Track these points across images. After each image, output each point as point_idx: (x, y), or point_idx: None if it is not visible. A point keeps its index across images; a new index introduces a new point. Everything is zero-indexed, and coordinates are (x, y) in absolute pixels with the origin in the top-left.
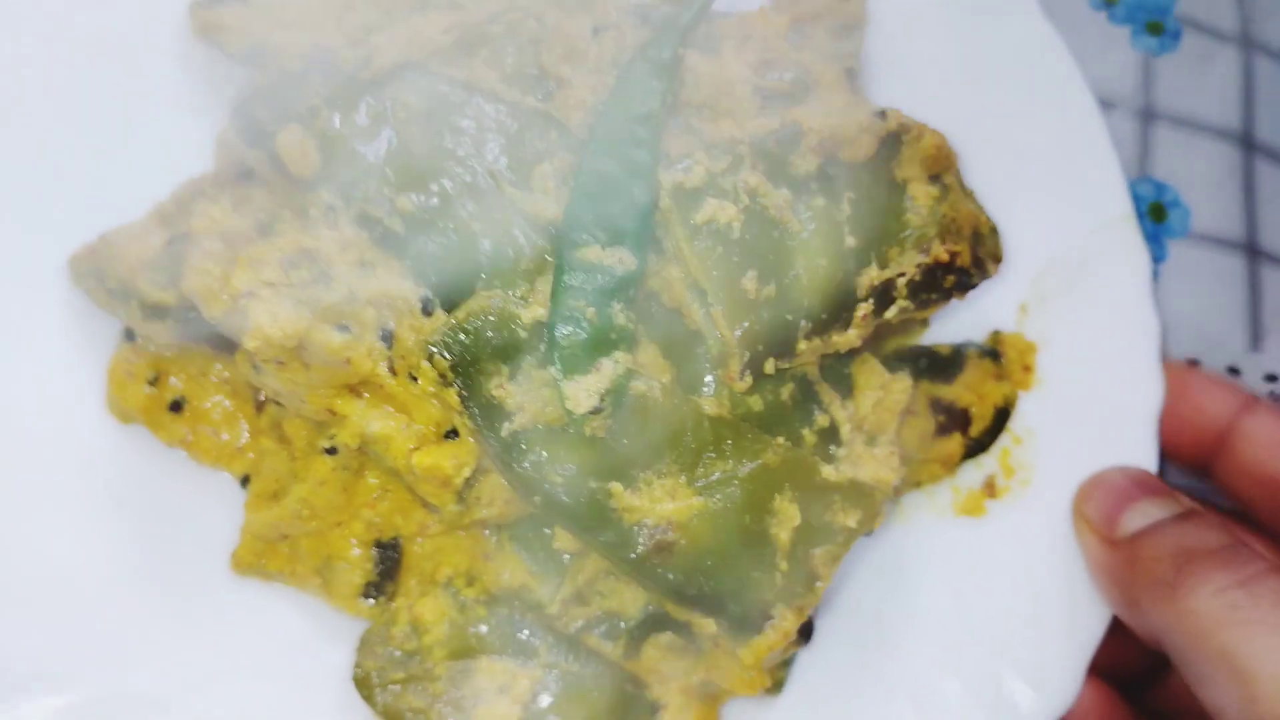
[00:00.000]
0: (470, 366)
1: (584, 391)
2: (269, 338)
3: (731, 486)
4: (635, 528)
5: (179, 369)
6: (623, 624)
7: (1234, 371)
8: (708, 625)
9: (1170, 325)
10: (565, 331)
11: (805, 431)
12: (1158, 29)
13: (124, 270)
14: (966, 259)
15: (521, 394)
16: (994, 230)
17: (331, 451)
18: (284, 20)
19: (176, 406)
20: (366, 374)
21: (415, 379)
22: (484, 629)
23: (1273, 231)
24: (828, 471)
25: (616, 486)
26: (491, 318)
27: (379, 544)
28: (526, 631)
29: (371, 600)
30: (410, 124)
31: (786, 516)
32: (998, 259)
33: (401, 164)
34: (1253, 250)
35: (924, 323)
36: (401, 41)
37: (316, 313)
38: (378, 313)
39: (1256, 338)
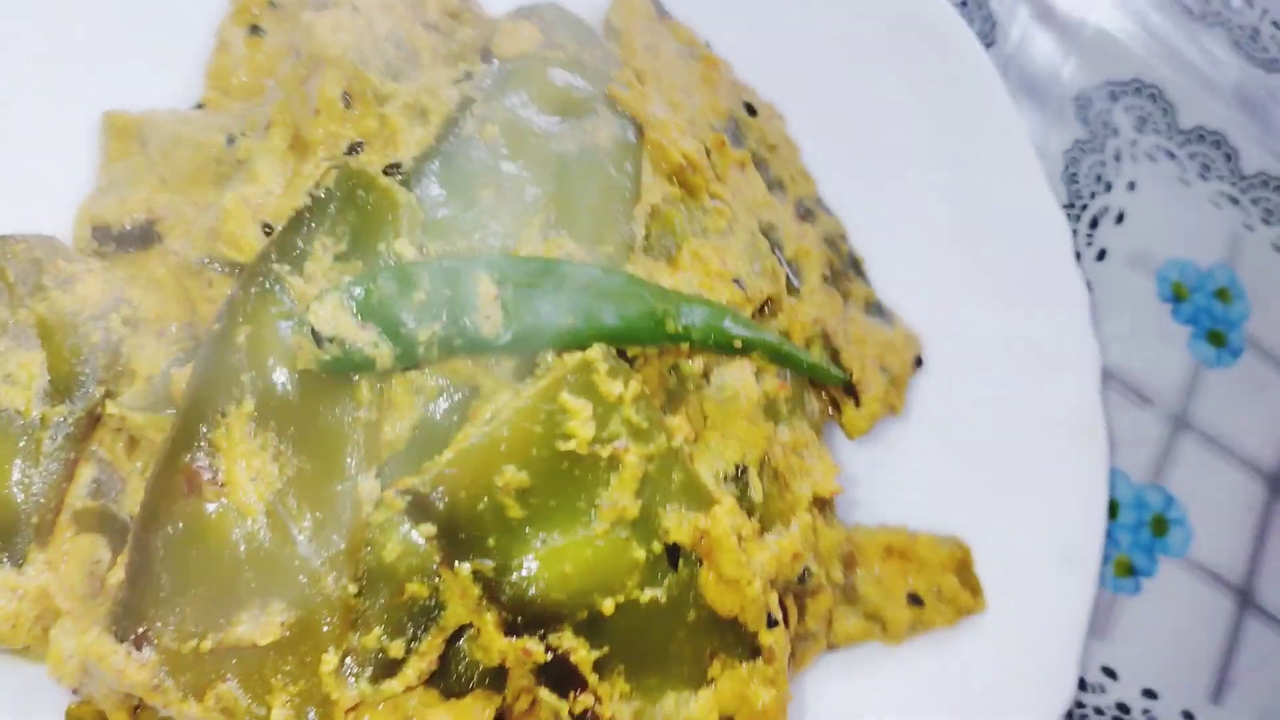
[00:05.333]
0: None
1: (332, 318)
2: None
3: None
4: None
5: None
6: None
7: (1187, 717)
8: None
9: (1134, 647)
10: (385, 284)
11: None
12: (1220, 340)
13: None
14: None
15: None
16: None
17: None
18: None
19: None
20: None
21: None
22: None
23: (1272, 585)
24: None
25: None
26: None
27: None
28: None
29: None
30: None
31: None
32: None
33: None
34: (1245, 598)
35: None
36: None
37: None
38: None
39: (1220, 688)
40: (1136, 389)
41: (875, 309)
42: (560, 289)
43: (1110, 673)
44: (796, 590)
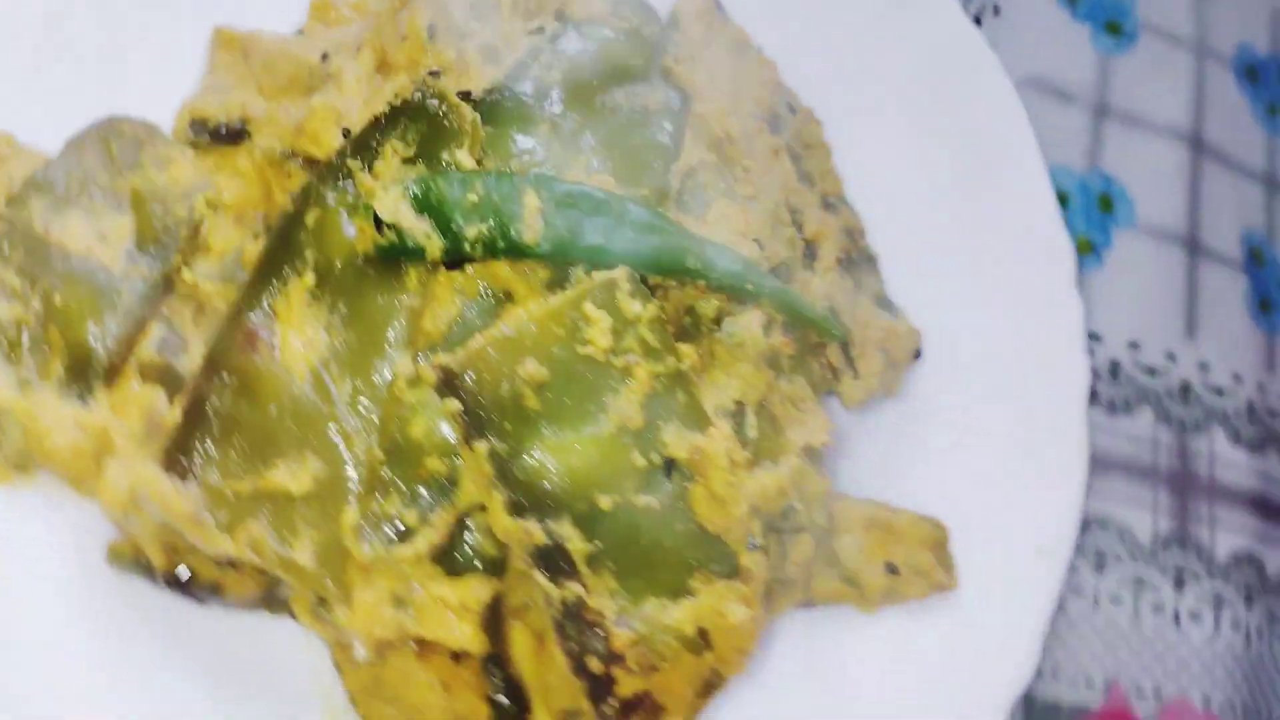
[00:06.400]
0: None
1: (393, 207)
2: None
3: None
4: None
5: None
6: None
7: (1170, 357)
8: None
9: (1111, 310)
10: (443, 185)
11: None
12: (1116, 29)
13: None
14: None
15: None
16: None
17: None
18: None
19: None
20: None
21: None
22: None
23: (1214, 229)
24: None
25: None
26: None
27: None
28: None
29: None
30: None
31: None
32: None
33: None
34: (1194, 245)
35: None
36: None
37: None
38: None
39: (1191, 327)
40: (1056, 89)
41: (884, 303)
42: (597, 213)
43: (1096, 336)
44: (779, 526)
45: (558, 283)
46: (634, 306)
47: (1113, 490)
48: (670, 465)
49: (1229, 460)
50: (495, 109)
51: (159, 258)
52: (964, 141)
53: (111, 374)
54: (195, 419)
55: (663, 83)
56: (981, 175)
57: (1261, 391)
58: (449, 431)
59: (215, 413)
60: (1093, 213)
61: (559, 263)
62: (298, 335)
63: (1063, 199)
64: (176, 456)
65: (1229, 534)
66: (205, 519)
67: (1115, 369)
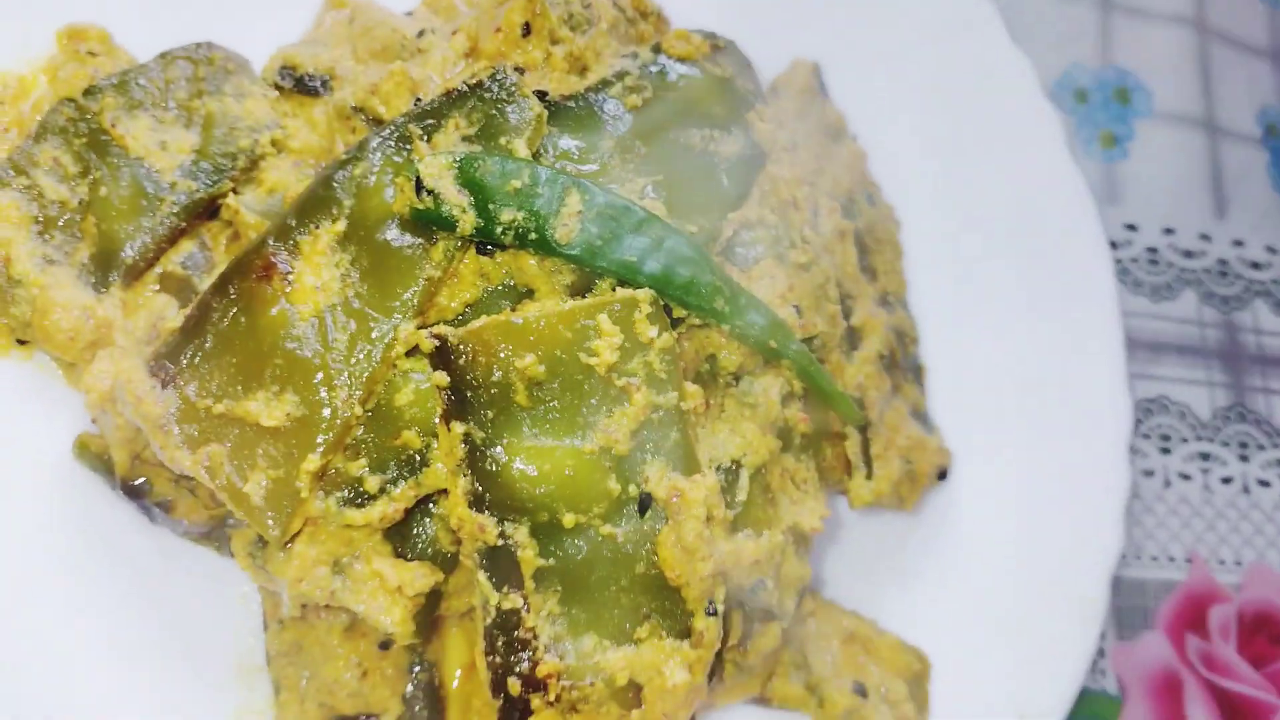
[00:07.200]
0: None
1: (437, 174)
2: None
3: None
4: None
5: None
6: None
7: (1205, 238)
8: None
9: (1142, 199)
10: (491, 165)
11: None
12: None
13: None
14: None
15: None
16: None
17: None
18: None
19: None
20: None
21: None
22: None
23: (1229, 109)
24: None
25: None
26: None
27: None
28: None
29: None
30: None
31: None
32: None
33: None
34: (1212, 127)
35: None
36: None
37: None
38: None
39: (1221, 207)
40: None
41: (922, 416)
42: (636, 231)
43: (1132, 227)
44: (746, 601)
45: (581, 290)
46: (650, 331)
47: (1167, 372)
48: (646, 501)
49: (1275, 329)
50: (566, 114)
51: (211, 180)
52: (1045, 294)
53: (132, 274)
54: (193, 332)
55: (743, 135)
56: (1054, 322)
57: None
58: (431, 407)
59: (213, 330)
60: (1111, 106)
61: (587, 269)
62: (314, 276)
63: (1081, 95)
64: (164, 362)
65: None
66: (171, 428)
67: (1154, 256)
